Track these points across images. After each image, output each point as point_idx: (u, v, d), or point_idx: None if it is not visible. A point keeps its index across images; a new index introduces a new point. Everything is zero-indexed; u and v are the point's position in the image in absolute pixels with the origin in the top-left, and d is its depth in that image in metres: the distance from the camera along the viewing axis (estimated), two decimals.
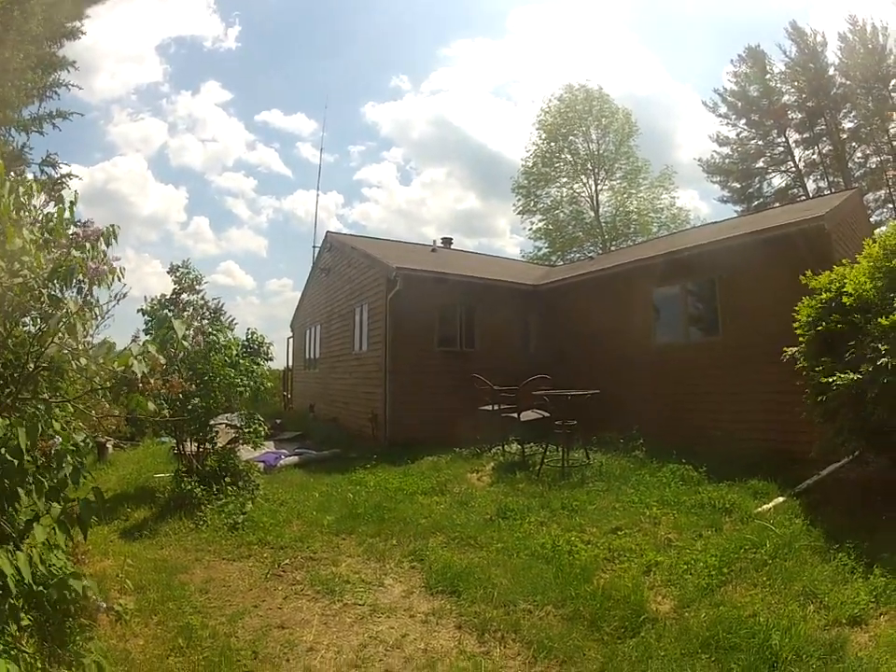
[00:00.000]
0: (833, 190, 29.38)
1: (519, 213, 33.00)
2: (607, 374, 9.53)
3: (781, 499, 5.68)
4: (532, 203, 32.64)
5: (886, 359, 4.71)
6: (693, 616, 3.47)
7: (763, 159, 36.88)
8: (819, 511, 5.10)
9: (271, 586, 4.16)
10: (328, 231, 15.59)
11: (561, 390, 7.84)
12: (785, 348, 6.08)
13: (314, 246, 14.96)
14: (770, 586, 3.83)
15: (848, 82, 34.32)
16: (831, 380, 5.07)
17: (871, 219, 19.56)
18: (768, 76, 36.02)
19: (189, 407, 6.13)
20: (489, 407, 8.61)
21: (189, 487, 5.98)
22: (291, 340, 19.49)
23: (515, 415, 8.19)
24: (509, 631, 3.35)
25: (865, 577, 3.80)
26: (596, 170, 32.00)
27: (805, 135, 36.27)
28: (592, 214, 31.92)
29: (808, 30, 35.59)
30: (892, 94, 33.32)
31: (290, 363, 19.42)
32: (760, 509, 5.45)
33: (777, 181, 36.58)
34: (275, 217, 58.15)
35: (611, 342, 10.11)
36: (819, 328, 5.56)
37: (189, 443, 6.61)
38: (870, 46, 34.16)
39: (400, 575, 4.34)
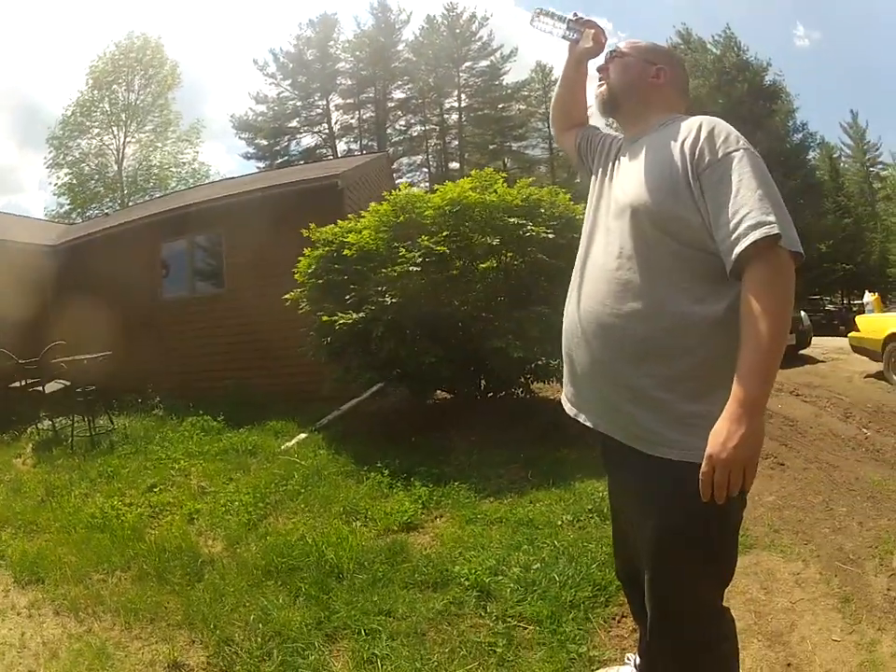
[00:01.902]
0: (364, 152, 33.58)
1: (49, 167, 29.28)
2: (122, 334, 8.80)
3: (304, 435, 6.14)
4: (62, 157, 29.23)
5: (388, 299, 5.33)
6: (245, 551, 3.55)
7: (298, 119, 39.44)
8: (343, 442, 5.71)
9: None
10: None
11: (74, 356, 7.15)
12: (287, 295, 6.43)
13: None
14: (310, 511, 4.09)
15: (415, 58, 38.83)
16: (334, 319, 5.53)
17: (402, 181, 23.19)
18: (331, 42, 38.34)
19: None
20: (17, 383, 7.54)
21: None
22: None
23: (41, 389, 7.26)
24: (96, 605, 3.14)
25: (406, 489, 4.25)
26: (129, 121, 30.40)
27: (348, 100, 39.90)
28: (115, 168, 30.25)
29: (395, 7, 38.85)
30: (461, 74, 38.82)
31: None
32: (284, 446, 5.79)
33: (308, 141, 39.64)
34: None
35: (125, 300, 9.48)
36: (322, 276, 6.03)
37: None
38: (457, 31, 38.59)
39: None
